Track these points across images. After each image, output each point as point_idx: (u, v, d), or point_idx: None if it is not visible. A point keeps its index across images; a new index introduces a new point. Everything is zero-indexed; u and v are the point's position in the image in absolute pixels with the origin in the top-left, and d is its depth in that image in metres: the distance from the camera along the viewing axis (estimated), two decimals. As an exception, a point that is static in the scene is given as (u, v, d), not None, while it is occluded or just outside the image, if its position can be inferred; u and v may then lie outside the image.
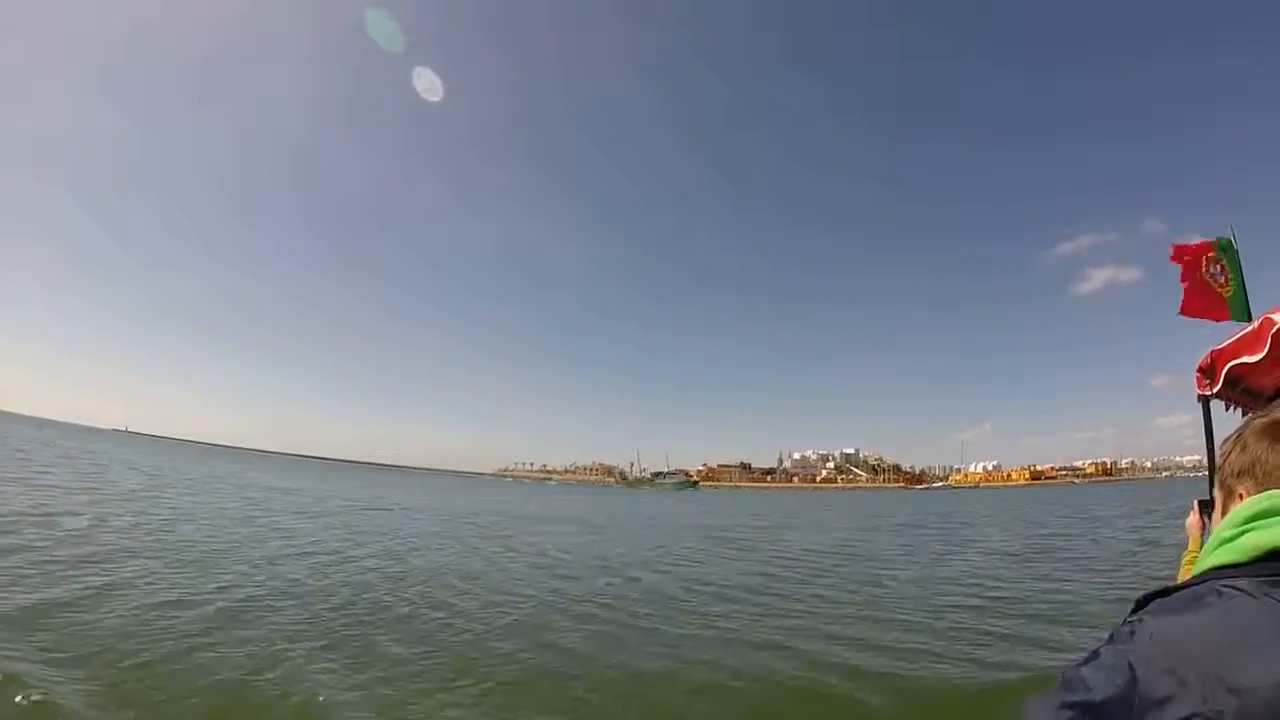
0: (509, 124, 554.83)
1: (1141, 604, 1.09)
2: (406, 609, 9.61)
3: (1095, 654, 1.03)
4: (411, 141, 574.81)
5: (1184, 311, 5.25)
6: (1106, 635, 1.07)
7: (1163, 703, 0.91)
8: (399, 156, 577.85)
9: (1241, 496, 1.18)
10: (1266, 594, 0.95)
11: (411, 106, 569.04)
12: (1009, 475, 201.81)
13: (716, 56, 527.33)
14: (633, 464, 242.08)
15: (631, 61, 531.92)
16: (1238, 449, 1.25)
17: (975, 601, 11.07)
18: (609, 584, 12.58)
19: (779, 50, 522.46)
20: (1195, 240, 5.40)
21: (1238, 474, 1.22)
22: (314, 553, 13.90)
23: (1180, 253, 5.25)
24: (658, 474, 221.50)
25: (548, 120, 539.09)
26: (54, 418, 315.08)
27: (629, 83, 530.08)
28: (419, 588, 11.13)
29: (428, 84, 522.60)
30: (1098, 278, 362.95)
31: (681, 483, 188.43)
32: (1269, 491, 1.12)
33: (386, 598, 10.19)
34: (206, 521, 17.29)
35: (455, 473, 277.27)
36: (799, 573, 14.59)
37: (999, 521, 32.00)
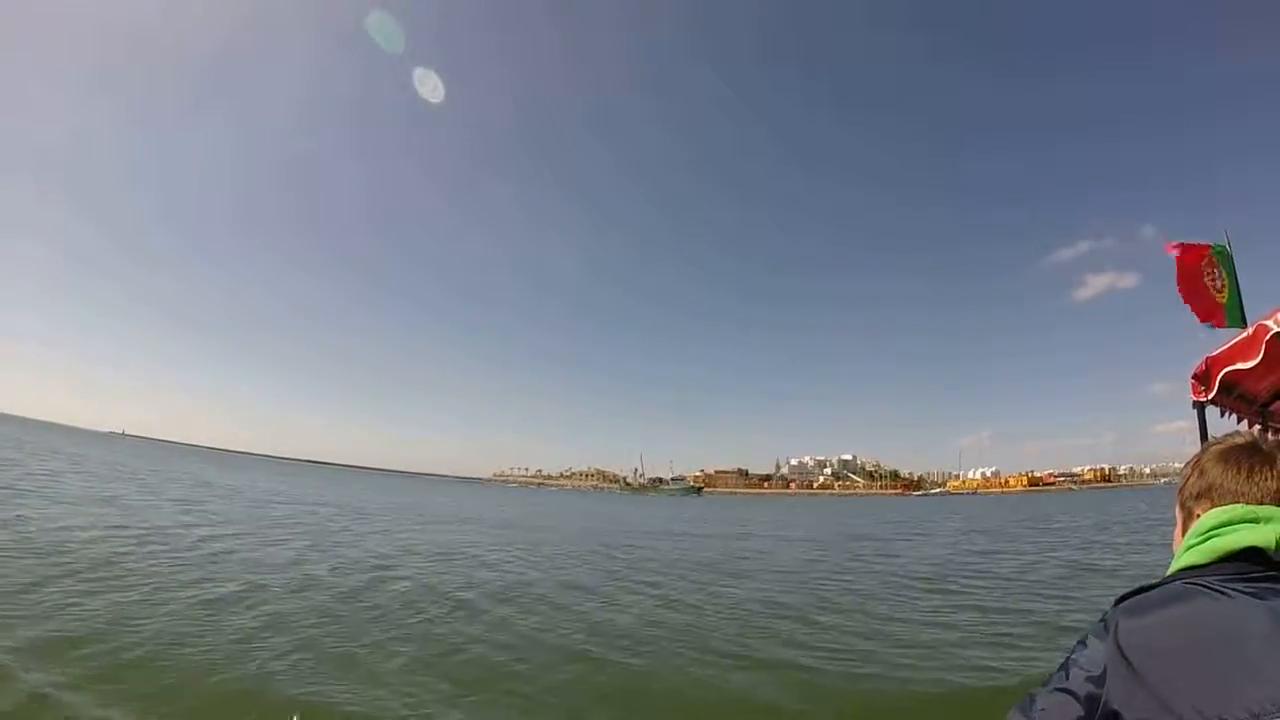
0: (508, 127, 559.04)
1: (1121, 600, 1.19)
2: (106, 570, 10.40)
3: (1082, 643, 1.16)
4: (410, 145, 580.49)
5: (1202, 319, 5.25)
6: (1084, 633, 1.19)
7: (1127, 695, 1.02)
8: (397, 161, 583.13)
9: (1198, 517, 1.29)
10: (1228, 590, 1.07)
11: (410, 109, 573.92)
12: (1006, 481, 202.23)
13: (716, 58, 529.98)
14: (636, 469, 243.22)
15: (631, 64, 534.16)
16: (1195, 474, 1.36)
17: (757, 654, 8.65)
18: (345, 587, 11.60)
19: (778, 52, 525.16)
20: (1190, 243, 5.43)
21: (1196, 497, 1.34)
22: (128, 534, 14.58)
23: (1177, 250, 5.27)
24: (657, 480, 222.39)
25: (546, 124, 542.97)
26: (52, 420, 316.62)
27: (628, 86, 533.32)
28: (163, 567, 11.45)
29: (430, 86, 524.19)
30: (1096, 284, 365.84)
31: (687, 489, 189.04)
32: (1227, 506, 1.24)
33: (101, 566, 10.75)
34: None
35: (452, 477, 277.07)
36: (624, 585, 13.57)
37: (950, 532, 31.11)
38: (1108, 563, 16.99)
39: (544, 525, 31.57)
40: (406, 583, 12.30)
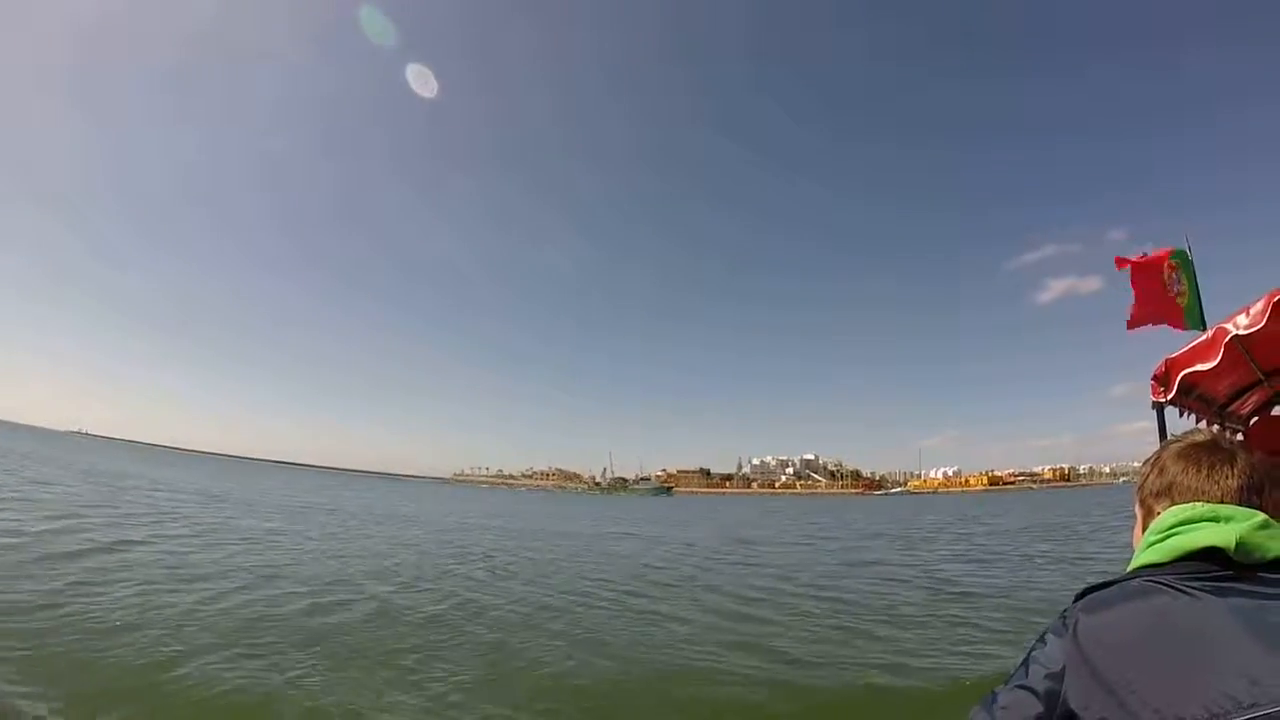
0: (477, 124, 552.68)
1: (1080, 596, 1.21)
2: None
3: (1041, 639, 1.20)
4: (379, 142, 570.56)
5: (1134, 323, 5.47)
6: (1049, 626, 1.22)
7: (1085, 692, 1.05)
8: (366, 157, 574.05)
9: (1159, 514, 1.31)
10: (1189, 589, 1.09)
11: (382, 106, 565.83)
12: (967, 481, 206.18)
13: (690, 59, 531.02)
14: (605, 469, 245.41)
15: (606, 63, 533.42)
16: (1155, 472, 1.39)
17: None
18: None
19: (749, 51, 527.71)
20: (1151, 249, 5.62)
21: (1156, 494, 1.36)
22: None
23: (1129, 264, 5.47)
24: (620, 480, 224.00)
25: (516, 120, 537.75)
26: (10, 419, 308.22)
27: (604, 85, 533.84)
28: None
29: (416, 76, 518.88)
30: (1058, 287, 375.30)
31: (657, 488, 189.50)
32: (1188, 504, 1.27)
33: None
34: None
35: (414, 478, 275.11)
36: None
37: (853, 536, 29.57)
38: (975, 585, 13.88)
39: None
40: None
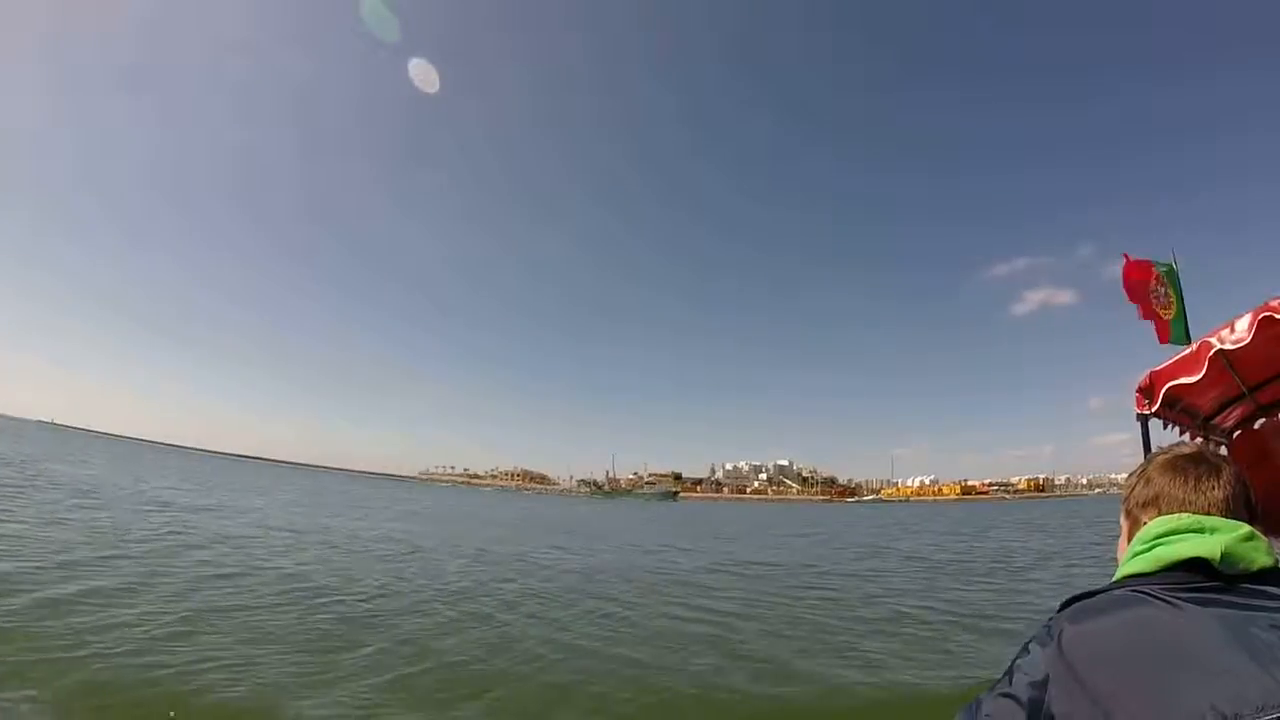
0: (449, 125, 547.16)
1: (1065, 605, 1.25)
2: None
3: (1025, 648, 1.22)
4: (349, 140, 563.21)
5: (1162, 338, 5.65)
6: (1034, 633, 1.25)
7: (1068, 700, 1.08)
8: (334, 154, 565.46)
9: (1144, 525, 1.36)
10: (1173, 599, 1.12)
11: (361, 101, 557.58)
12: (940, 490, 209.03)
13: (665, 67, 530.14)
14: (608, 472, 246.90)
15: (582, 63, 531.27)
16: (1142, 483, 1.44)
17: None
18: None
19: (727, 57, 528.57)
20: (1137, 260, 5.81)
21: (1143, 505, 1.41)
22: None
23: (1130, 272, 5.66)
24: (586, 480, 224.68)
25: (489, 119, 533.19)
26: None
27: (579, 85, 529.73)
28: None
29: (421, 74, 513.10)
30: (1033, 300, 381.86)
31: (664, 493, 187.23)
32: (1174, 514, 1.31)
33: None
34: None
35: (377, 475, 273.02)
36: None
37: (772, 546, 29.26)
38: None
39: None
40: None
